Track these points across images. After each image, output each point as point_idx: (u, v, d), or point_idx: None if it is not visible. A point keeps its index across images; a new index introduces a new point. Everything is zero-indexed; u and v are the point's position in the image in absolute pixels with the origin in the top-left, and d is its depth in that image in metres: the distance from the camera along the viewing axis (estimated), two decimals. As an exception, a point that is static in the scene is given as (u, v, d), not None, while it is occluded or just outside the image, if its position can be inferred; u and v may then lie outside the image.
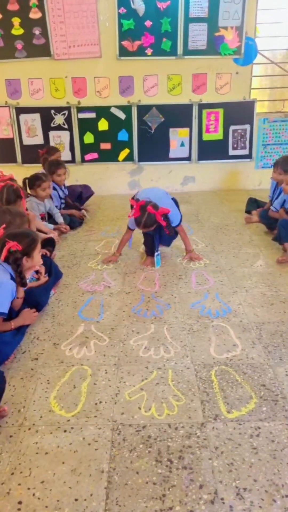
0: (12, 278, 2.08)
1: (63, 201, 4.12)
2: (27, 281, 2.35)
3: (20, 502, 1.33)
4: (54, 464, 1.46)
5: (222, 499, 1.32)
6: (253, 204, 4.27)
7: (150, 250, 3.13)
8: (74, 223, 4.02)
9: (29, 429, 1.62)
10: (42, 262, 2.39)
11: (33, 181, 3.53)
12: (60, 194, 4.05)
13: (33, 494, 1.35)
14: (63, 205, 4.14)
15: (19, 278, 2.08)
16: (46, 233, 3.34)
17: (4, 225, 2.19)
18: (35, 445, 1.54)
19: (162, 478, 1.39)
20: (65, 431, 1.60)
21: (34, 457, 1.49)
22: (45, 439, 1.56)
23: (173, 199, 3.18)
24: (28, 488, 1.37)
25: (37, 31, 4.69)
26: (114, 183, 5.34)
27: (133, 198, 3.02)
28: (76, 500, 1.33)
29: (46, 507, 1.31)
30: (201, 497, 1.32)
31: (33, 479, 1.41)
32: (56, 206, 3.92)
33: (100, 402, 1.74)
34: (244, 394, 1.76)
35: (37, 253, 2.21)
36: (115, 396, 1.77)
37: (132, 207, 2.88)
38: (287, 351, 2.04)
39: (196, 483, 1.37)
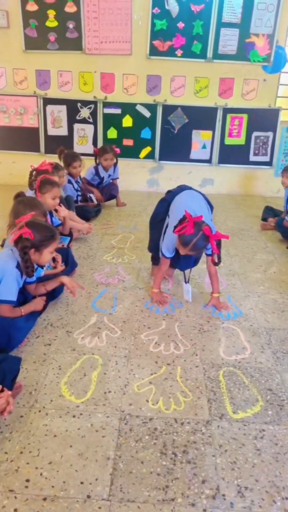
0: (18, 266, 2.06)
1: (79, 193, 4.15)
2: (44, 269, 2.41)
3: (27, 480, 1.37)
4: (62, 447, 1.50)
5: (223, 495, 1.35)
6: (269, 212, 4.27)
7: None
8: (90, 213, 4.07)
9: (39, 411, 1.67)
10: (49, 263, 2.36)
11: None
12: (75, 187, 4.08)
13: (41, 474, 1.40)
14: (79, 197, 4.17)
15: (24, 266, 2.04)
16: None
17: (33, 213, 2.21)
18: (45, 427, 1.59)
19: (166, 470, 1.43)
20: (74, 416, 1.65)
21: (43, 438, 1.54)
22: (54, 422, 1.61)
23: (208, 202, 2.57)
24: (36, 468, 1.42)
25: (71, 25, 4.75)
26: (134, 179, 5.38)
27: (167, 198, 2.54)
28: (81, 483, 1.37)
29: (53, 487, 1.35)
30: (203, 491, 1.36)
31: (41, 459, 1.45)
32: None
33: (109, 392, 1.78)
34: (251, 396, 1.79)
35: (48, 253, 2.14)
36: (124, 387, 1.81)
37: (181, 221, 2.21)
38: (296, 359, 2.06)
39: (199, 478, 1.40)
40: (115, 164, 4.53)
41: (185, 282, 2.60)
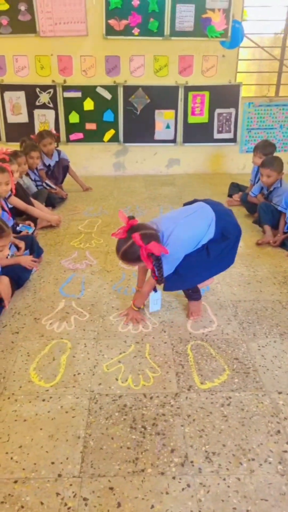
0: None
1: (39, 183, 4.06)
2: (8, 256, 2.37)
3: (-2, 465, 1.38)
4: (32, 431, 1.51)
5: (192, 462, 1.39)
6: (235, 188, 4.33)
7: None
8: (54, 199, 4.02)
9: (9, 398, 1.66)
10: (6, 256, 2.30)
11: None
12: (32, 177, 3.99)
13: (11, 458, 1.40)
14: (40, 187, 4.07)
15: None
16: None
17: None
18: (14, 413, 1.58)
19: (136, 443, 1.45)
20: (43, 400, 1.65)
21: (13, 424, 1.54)
22: (24, 408, 1.61)
23: (222, 212, 2.05)
24: (6, 452, 1.42)
25: (22, 7, 4.58)
26: (99, 164, 5.32)
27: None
28: (52, 463, 1.38)
29: (24, 469, 1.36)
30: (172, 460, 1.39)
31: (11, 444, 1.45)
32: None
33: (79, 374, 1.79)
34: (218, 367, 1.83)
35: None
36: (93, 368, 1.82)
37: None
38: (260, 327, 2.12)
39: (168, 448, 1.44)
40: (57, 149, 4.35)
41: (154, 291, 2.16)
